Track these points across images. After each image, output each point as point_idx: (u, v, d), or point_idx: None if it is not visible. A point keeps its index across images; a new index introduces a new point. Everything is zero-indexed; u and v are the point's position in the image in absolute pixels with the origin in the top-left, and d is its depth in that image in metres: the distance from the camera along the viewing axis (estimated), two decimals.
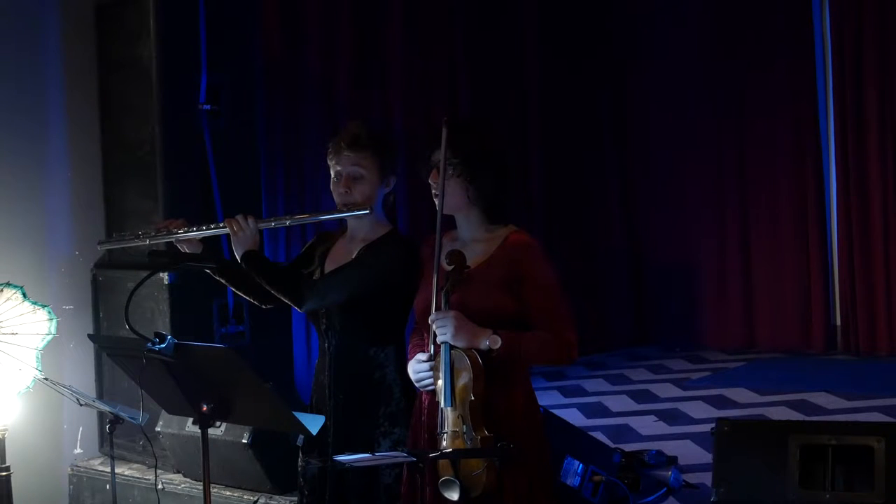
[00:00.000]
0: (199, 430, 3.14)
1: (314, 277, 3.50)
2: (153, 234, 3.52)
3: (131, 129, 5.28)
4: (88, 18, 5.46)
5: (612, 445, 5.16)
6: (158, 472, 4.70)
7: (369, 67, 7.19)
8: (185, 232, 3.46)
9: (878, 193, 8.10)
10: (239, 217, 3.41)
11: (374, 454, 3.12)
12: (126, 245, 3.82)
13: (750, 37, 8.61)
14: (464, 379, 3.04)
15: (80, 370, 5.36)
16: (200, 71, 5.18)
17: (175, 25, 5.15)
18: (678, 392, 7.11)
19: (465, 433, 3.00)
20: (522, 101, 8.57)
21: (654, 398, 6.96)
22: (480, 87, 8.03)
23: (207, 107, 5.20)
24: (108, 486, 4.99)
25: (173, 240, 3.50)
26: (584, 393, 7.28)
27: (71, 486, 5.37)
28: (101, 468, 5.27)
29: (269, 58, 6.31)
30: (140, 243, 3.60)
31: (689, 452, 5.45)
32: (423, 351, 3.16)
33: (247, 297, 3.58)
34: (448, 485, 2.99)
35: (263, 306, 3.58)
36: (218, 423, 3.43)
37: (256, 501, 4.65)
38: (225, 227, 3.41)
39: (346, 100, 6.96)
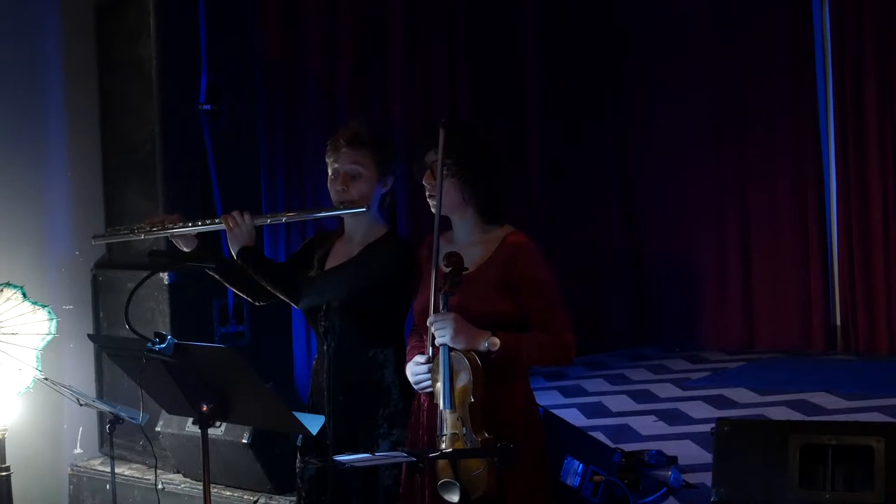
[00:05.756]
0: (199, 430, 3.14)
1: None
2: (148, 229, 3.51)
3: (131, 129, 5.28)
4: (88, 18, 5.47)
5: (612, 445, 5.15)
6: (158, 472, 4.70)
7: (369, 67, 7.19)
8: (180, 227, 3.45)
9: (878, 193, 8.10)
10: (235, 213, 3.40)
11: (373, 454, 3.11)
12: (120, 239, 3.82)
13: (750, 37, 8.61)
14: (463, 381, 3.04)
15: (80, 370, 5.36)
16: (200, 71, 5.18)
17: (175, 25, 5.15)
18: (678, 392, 7.10)
19: (464, 435, 3.00)
20: (522, 102, 8.57)
21: (654, 398, 6.96)
22: (480, 87, 8.03)
23: (207, 107, 5.20)
24: (108, 486, 4.99)
25: (168, 234, 3.49)
26: (584, 393, 7.28)
27: (71, 486, 5.37)
28: (101, 468, 5.27)
29: (269, 58, 6.31)
30: (134, 238, 3.60)
31: (689, 452, 5.45)
32: (423, 353, 3.16)
33: (240, 294, 3.58)
34: (448, 487, 2.98)
35: (257, 303, 3.58)
36: (218, 423, 3.43)
37: (256, 501, 4.66)
38: (220, 222, 3.40)
39: (346, 100, 6.96)
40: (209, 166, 5.19)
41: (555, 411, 4.98)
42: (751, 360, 8.14)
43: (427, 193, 3.18)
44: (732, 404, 6.59)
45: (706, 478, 4.42)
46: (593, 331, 8.41)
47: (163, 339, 3.04)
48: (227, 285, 3.59)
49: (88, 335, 4.68)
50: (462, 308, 3.06)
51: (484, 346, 3.04)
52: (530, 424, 3.19)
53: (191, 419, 4.38)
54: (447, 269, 3.06)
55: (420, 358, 3.16)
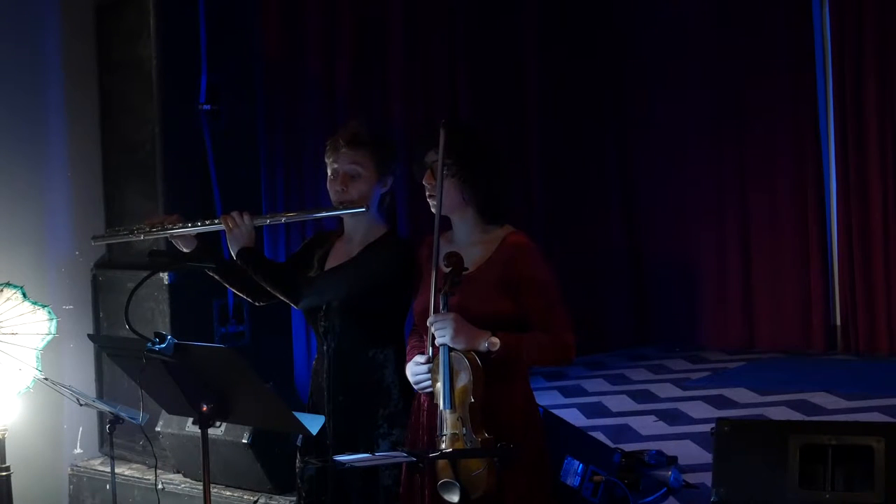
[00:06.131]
0: (199, 430, 3.14)
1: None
2: (147, 229, 3.51)
3: (131, 129, 5.28)
4: (88, 18, 5.47)
5: (612, 445, 5.15)
6: (158, 472, 4.70)
7: (369, 67, 7.19)
8: (179, 227, 3.45)
9: (878, 193, 8.10)
10: (234, 213, 3.40)
11: (373, 454, 3.11)
12: (120, 240, 3.81)
13: (750, 37, 8.61)
14: (463, 381, 3.03)
15: (80, 370, 5.36)
16: (200, 71, 5.18)
17: (175, 25, 5.16)
18: (678, 392, 7.10)
19: (464, 435, 2.99)
20: (522, 102, 8.57)
21: (654, 398, 6.96)
22: (480, 87, 8.03)
23: (207, 107, 5.20)
24: (108, 486, 4.99)
25: (167, 235, 3.49)
26: (584, 393, 7.28)
27: (71, 486, 5.37)
28: (101, 468, 5.27)
29: (269, 58, 6.31)
30: (134, 238, 3.60)
31: (689, 452, 5.45)
32: (423, 353, 3.16)
33: (240, 294, 3.57)
34: (448, 487, 2.98)
35: (256, 303, 3.58)
36: (218, 423, 3.43)
37: (256, 501, 4.66)
38: (220, 223, 3.40)
39: (346, 100, 6.96)
40: (209, 166, 5.19)
41: (555, 411, 4.98)
42: (751, 360, 8.14)
43: (427, 193, 3.18)
44: (732, 404, 6.58)
45: (706, 478, 4.42)
46: (593, 331, 8.40)
47: (163, 339, 3.04)
48: (227, 285, 3.59)
49: (88, 335, 4.68)
50: (462, 308, 3.06)
51: (484, 346, 3.04)
52: (530, 424, 3.19)
53: (191, 419, 4.38)
54: (447, 270, 3.06)
55: (420, 358, 3.16)
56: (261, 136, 5.77)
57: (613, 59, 9.11)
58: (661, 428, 6.12)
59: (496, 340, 3.04)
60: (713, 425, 4.09)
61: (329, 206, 3.46)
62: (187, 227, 3.45)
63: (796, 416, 6.10)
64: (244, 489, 4.73)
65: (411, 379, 3.21)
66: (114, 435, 4.18)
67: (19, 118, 5.33)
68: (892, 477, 3.59)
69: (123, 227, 3.80)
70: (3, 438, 4.66)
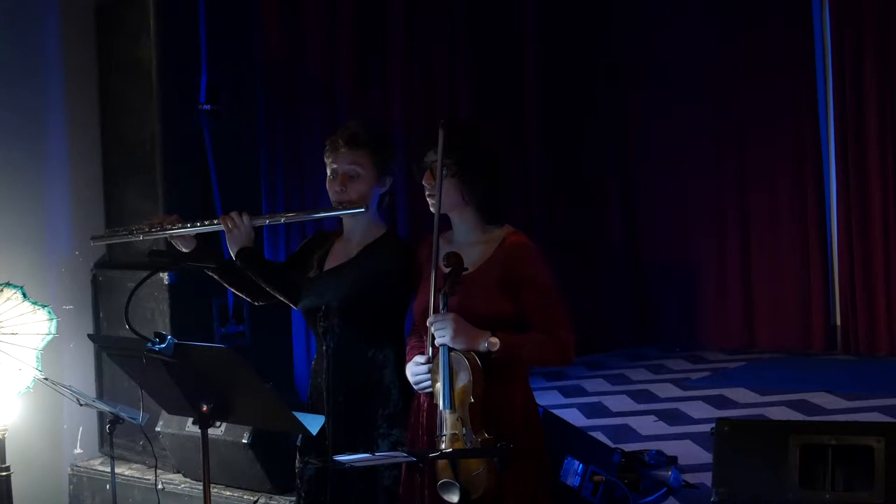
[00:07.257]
0: (199, 430, 3.14)
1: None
2: (147, 229, 3.51)
3: (131, 129, 5.29)
4: (88, 18, 5.47)
5: (612, 445, 5.15)
6: (158, 472, 4.70)
7: (369, 67, 7.20)
8: (178, 228, 3.45)
9: (878, 193, 8.10)
10: (234, 214, 3.40)
11: (373, 454, 3.11)
12: (119, 240, 3.82)
13: (750, 37, 8.61)
14: (463, 381, 3.04)
15: (80, 370, 5.36)
16: (200, 71, 5.18)
17: (175, 25, 5.16)
18: (678, 392, 7.10)
19: (464, 436, 2.99)
20: (522, 101, 8.57)
21: (654, 398, 6.96)
22: (480, 87, 8.03)
23: (207, 107, 5.20)
24: (108, 486, 4.99)
25: (167, 235, 3.49)
26: (584, 393, 7.28)
27: (71, 486, 5.37)
28: (101, 468, 5.27)
29: (269, 58, 6.31)
30: (133, 239, 3.61)
31: (689, 452, 5.45)
32: (423, 353, 3.16)
33: (239, 294, 3.58)
34: (447, 487, 2.98)
35: (256, 303, 3.58)
36: (218, 423, 3.43)
37: (256, 501, 4.66)
38: (219, 223, 3.40)
39: (346, 100, 6.96)
40: (209, 166, 5.20)
41: (555, 411, 4.98)
42: (751, 360, 8.14)
43: (427, 193, 3.18)
44: (732, 404, 6.58)
45: (706, 478, 4.42)
46: (593, 331, 8.40)
47: (163, 339, 3.04)
48: (227, 285, 3.59)
49: (88, 335, 4.68)
50: (462, 308, 3.06)
51: (483, 346, 3.04)
52: (530, 424, 3.19)
53: (191, 419, 4.38)
54: (447, 270, 3.06)
55: (420, 358, 3.16)
56: (261, 136, 5.77)
57: (613, 59, 9.11)
58: (661, 428, 6.12)
59: (496, 340, 3.04)
60: (713, 425, 4.09)
61: (328, 207, 3.46)
62: (186, 227, 3.45)
63: (796, 416, 6.10)
64: (244, 489, 4.74)
65: (411, 379, 3.21)
66: (114, 435, 4.18)
67: (19, 118, 5.33)
68: (892, 477, 3.59)
69: (123, 227, 3.80)
70: (3, 438, 4.66)
